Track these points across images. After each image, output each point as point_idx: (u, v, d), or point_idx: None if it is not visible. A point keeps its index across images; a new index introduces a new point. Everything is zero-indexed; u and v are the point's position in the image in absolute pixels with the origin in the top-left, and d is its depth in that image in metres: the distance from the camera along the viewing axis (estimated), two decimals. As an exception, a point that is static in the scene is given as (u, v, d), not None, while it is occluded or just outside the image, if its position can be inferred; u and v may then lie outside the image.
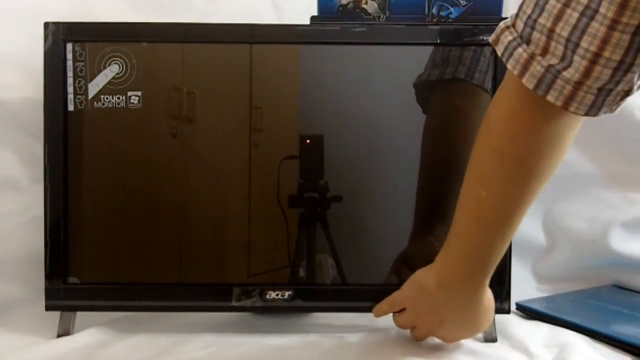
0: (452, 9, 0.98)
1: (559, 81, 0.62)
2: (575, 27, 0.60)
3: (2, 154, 1.05)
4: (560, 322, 0.98)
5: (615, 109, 0.67)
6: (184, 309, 0.96)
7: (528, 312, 1.04)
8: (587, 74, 0.61)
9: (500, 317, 0.95)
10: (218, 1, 1.15)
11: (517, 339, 0.93)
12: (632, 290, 1.14)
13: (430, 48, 0.94)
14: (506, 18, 0.96)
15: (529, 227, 1.18)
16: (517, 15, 0.67)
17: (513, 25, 0.66)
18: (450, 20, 0.98)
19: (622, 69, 0.60)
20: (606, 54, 0.59)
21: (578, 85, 0.62)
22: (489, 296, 0.85)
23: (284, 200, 0.95)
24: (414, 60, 0.95)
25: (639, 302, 1.08)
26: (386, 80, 0.96)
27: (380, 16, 0.98)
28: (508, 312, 0.95)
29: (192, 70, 0.95)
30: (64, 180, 0.93)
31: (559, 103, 0.63)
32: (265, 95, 0.95)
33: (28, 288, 1.03)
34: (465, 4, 0.97)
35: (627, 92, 0.64)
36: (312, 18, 0.98)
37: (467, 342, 0.92)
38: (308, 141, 0.94)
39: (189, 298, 0.95)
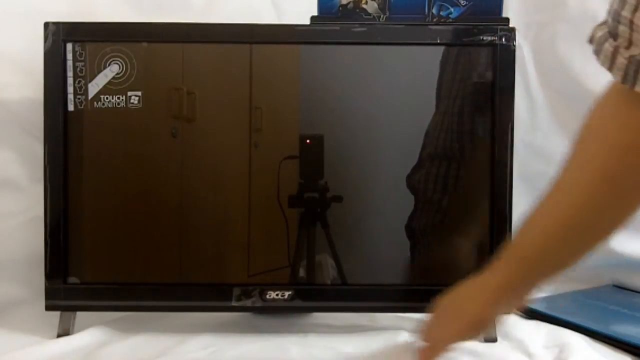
0: (452, 9, 0.98)
1: None
2: None
3: (2, 154, 1.05)
4: (560, 322, 0.98)
5: None
6: (184, 309, 0.95)
7: (528, 312, 1.04)
8: None
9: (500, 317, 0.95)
10: (218, 1, 1.15)
11: (517, 339, 0.93)
12: (632, 290, 1.14)
13: (430, 48, 0.94)
14: (506, 18, 0.98)
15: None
16: (608, 11, 0.67)
17: (605, 22, 0.67)
18: (450, 20, 0.98)
19: None
20: None
21: None
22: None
23: (284, 200, 0.95)
24: (413, 60, 0.95)
25: (639, 302, 1.08)
26: (386, 80, 0.96)
27: (380, 16, 0.98)
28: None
29: (192, 70, 0.95)
30: (64, 180, 0.93)
31: None
32: (265, 95, 0.95)
33: (28, 288, 1.03)
34: (465, 4, 0.97)
35: None
36: (312, 18, 0.98)
37: (467, 342, 0.92)
38: (308, 141, 0.94)
39: (189, 298, 0.95)
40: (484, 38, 0.93)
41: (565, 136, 1.19)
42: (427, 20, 0.98)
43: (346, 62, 0.96)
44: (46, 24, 0.93)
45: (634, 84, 0.62)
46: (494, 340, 0.93)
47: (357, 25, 0.95)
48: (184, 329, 0.96)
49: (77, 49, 0.93)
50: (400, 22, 0.97)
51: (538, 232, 0.72)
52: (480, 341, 0.93)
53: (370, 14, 0.98)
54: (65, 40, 0.93)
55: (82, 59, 0.93)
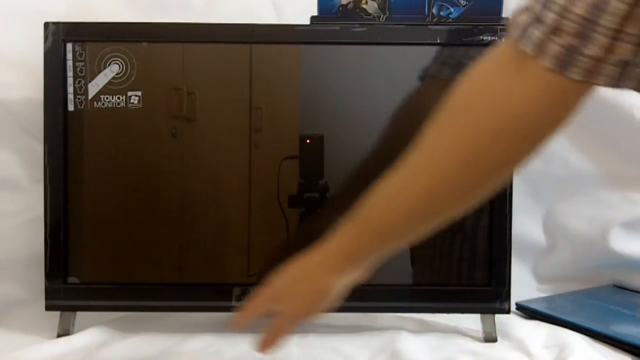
0: (452, 9, 0.98)
1: (581, 58, 0.61)
2: (593, 4, 0.59)
3: (2, 154, 1.05)
4: (560, 322, 0.98)
5: None
6: (184, 309, 0.95)
7: (528, 312, 1.04)
8: (608, 49, 0.60)
9: (500, 317, 0.95)
10: (218, 1, 1.15)
11: (517, 339, 0.93)
12: (632, 290, 1.14)
13: (430, 48, 0.94)
14: (506, 18, 0.98)
15: (529, 227, 1.18)
16: None
17: (530, 7, 0.66)
18: (450, 20, 0.98)
19: None
20: (628, 29, 0.59)
21: (600, 60, 0.61)
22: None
23: (284, 200, 0.95)
24: (413, 60, 0.95)
25: (639, 302, 1.08)
26: (386, 80, 0.96)
27: (380, 16, 0.98)
28: (508, 312, 0.94)
29: (192, 70, 0.95)
30: (64, 180, 0.93)
31: (582, 79, 0.62)
32: (265, 95, 0.95)
33: (28, 288, 1.03)
34: (465, 4, 0.97)
35: None
36: (312, 18, 0.98)
37: (467, 342, 0.92)
38: (308, 141, 0.94)
39: (189, 298, 0.95)
40: (484, 38, 0.93)
41: (566, 136, 1.19)
42: (427, 20, 0.98)
43: (346, 62, 0.96)
44: (46, 24, 0.93)
45: (568, 70, 0.62)
46: (494, 340, 0.93)
47: (357, 25, 0.95)
48: (184, 329, 0.96)
49: (77, 49, 0.93)
50: (400, 22, 0.97)
51: (389, 208, 0.69)
52: (480, 341, 0.93)
53: (370, 14, 0.98)
54: (65, 40, 0.93)
55: (82, 59, 0.93)
